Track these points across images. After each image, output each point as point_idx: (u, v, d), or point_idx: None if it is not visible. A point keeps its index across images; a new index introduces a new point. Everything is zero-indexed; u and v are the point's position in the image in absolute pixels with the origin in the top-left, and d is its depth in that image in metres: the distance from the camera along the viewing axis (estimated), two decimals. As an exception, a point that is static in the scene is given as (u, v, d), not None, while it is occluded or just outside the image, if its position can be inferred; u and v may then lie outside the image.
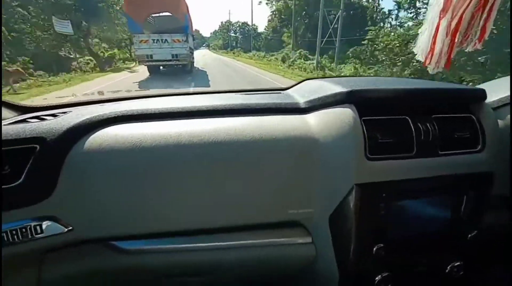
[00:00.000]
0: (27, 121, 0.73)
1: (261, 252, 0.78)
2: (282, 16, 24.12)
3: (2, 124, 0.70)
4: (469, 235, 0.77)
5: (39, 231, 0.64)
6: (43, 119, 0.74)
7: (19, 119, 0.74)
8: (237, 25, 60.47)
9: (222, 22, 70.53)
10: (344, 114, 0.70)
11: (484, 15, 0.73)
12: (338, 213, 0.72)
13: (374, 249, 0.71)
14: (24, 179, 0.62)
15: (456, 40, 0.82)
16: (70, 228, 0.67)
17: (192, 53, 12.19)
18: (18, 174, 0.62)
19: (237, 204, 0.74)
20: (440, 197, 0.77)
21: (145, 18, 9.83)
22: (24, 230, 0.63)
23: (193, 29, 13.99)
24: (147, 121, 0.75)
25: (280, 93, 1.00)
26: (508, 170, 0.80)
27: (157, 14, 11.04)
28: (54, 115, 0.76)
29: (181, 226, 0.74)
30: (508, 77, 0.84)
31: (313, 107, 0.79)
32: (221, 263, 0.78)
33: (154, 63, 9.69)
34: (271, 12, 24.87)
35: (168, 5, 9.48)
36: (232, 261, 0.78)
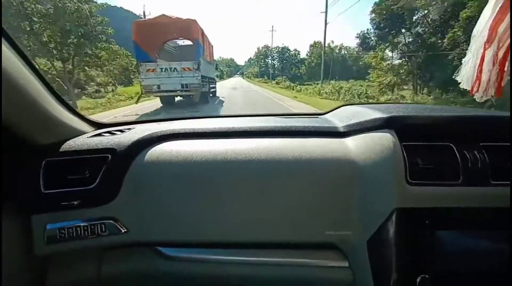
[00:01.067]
0: (102, 135, 0.86)
1: (298, 272, 0.78)
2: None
3: (86, 136, 0.84)
4: None
5: (103, 229, 0.73)
6: (113, 134, 0.87)
7: (97, 133, 0.89)
8: (276, 50, 52.00)
9: (258, 48, 62.38)
10: (384, 139, 0.72)
11: (535, 45, 0.72)
12: (377, 238, 0.70)
13: (418, 280, 0.66)
14: (98, 183, 0.73)
15: (505, 69, 0.81)
16: (126, 230, 0.75)
17: (210, 83, 10.73)
18: (94, 178, 0.74)
19: (276, 221, 0.76)
20: (496, 232, 0.71)
21: (158, 48, 8.78)
22: (92, 226, 0.73)
23: (212, 56, 12.48)
24: (198, 139, 0.83)
25: (318, 117, 1.04)
26: None
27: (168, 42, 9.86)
28: (121, 131, 0.90)
29: (221, 238, 0.78)
30: None
31: (352, 132, 0.81)
32: (257, 279, 0.79)
33: (162, 94, 8.78)
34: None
35: (179, 32, 8.61)
36: (268, 278, 0.78)
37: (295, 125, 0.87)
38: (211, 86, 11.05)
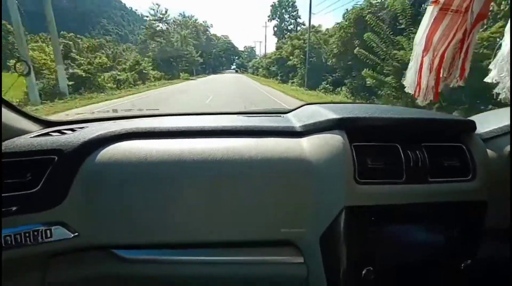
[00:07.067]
0: (50, 134, 0.82)
1: (255, 270, 0.81)
2: None
3: (29, 136, 0.79)
4: (463, 264, 0.76)
5: (48, 235, 0.70)
6: (63, 133, 0.83)
7: (43, 132, 0.83)
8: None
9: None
10: (335, 139, 0.76)
11: (462, 56, 0.79)
12: (329, 234, 0.75)
13: (363, 272, 0.73)
14: (41, 187, 0.70)
15: (441, 76, 0.88)
16: (77, 234, 0.73)
17: None
18: (37, 181, 0.70)
19: (233, 220, 0.78)
20: (432, 225, 0.79)
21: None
22: (35, 233, 0.69)
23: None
24: (154, 139, 0.82)
25: (280, 116, 1.07)
26: (504, 202, 0.80)
27: None
28: (72, 130, 0.85)
29: (178, 239, 0.79)
30: (498, 110, 0.86)
31: (308, 131, 0.84)
32: (215, 278, 0.81)
33: None
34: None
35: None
36: (226, 277, 0.81)
37: (254, 125, 0.89)
38: None
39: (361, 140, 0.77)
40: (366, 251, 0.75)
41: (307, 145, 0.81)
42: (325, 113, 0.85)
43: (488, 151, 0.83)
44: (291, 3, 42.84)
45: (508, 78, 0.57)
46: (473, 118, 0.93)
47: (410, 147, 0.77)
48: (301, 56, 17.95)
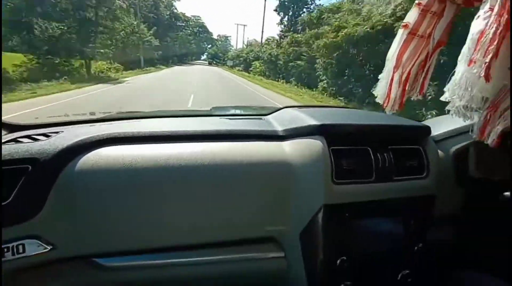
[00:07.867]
0: (19, 141, 0.75)
1: (239, 266, 0.87)
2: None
3: None
4: (416, 248, 0.93)
5: (21, 250, 0.65)
6: (35, 139, 0.75)
7: (11, 138, 0.76)
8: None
9: None
10: (315, 144, 0.84)
11: (423, 75, 0.93)
12: (308, 230, 0.84)
13: (338, 261, 0.84)
14: (13, 199, 0.64)
15: (406, 89, 1.02)
16: (52, 246, 0.68)
17: None
18: (8, 193, 0.64)
19: (218, 222, 0.82)
20: (394, 217, 0.94)
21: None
22: (5, 249, 0.63)
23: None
24: (138, 144, 0.80)
25: (261, 118, 1.13)
26: (450, 193, 0.97)
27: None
28: (46, 135, 0.78)
29: (163, 243, 0.80)
30: (448, 116, 1.02)
31: (289, 136, 0.92)
32: (199, 278, 0.85)
33: None
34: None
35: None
36: (211, 276, 0.85)
37: (238, 129, 0.93)
38: None
39: (338, 144, 0.88)
40: (341, 243, 0.85)
41: (289, 149, 0.88)
42: (306, 119, 0.93)
43: (439, 151, 1.00)
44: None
45: (458, 100, 0.70)
46: (429, 121, 1.10)
47: (379, 150, 0.90)
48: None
